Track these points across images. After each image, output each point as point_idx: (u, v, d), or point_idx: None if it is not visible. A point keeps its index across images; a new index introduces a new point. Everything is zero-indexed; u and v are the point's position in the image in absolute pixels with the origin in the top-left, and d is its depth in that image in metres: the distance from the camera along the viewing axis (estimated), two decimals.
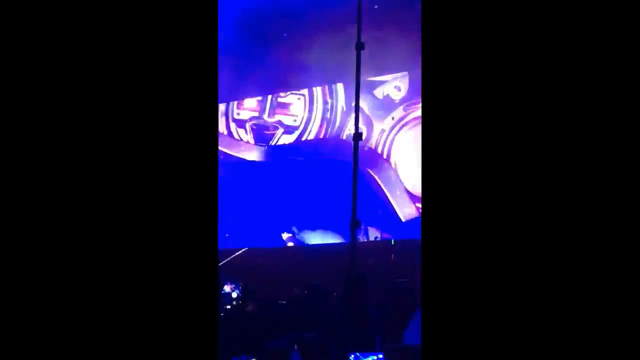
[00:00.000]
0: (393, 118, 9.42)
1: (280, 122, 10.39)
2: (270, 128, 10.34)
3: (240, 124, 9.82)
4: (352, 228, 3.04)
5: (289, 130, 10.36)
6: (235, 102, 9.80)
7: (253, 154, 10.01)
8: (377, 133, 9.40)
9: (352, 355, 2.85)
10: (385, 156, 9.25)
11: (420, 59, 1.83)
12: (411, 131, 9.00)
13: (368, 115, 9.29)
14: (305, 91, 9.75)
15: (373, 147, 9.19)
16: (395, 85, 9.23)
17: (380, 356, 2.87)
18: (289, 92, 9.96)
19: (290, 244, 9.01)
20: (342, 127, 9.70)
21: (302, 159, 10.22)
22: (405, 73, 9.04)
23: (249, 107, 9.83)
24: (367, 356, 2.96)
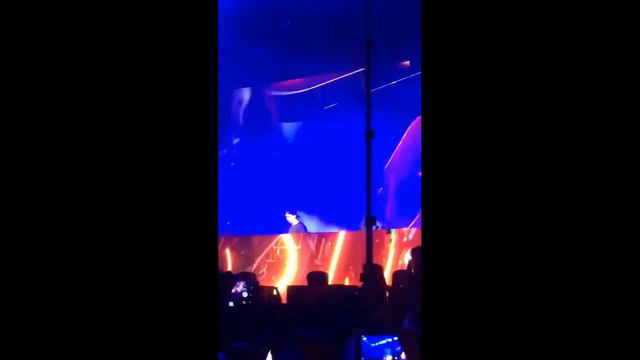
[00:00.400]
0: None
1: None
2: None
3: None
4: (367, 223, 3.12)
5: None
6: None
7: None
8: None
9: (365, 338, 2.88)
10: None
11: None
12: None
13: None
14: None
15: None
16: None
17: (396, 338, 2.91)
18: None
19: (295, 222, 9.06)
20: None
21: None
22: None
23: None
24: (378, 340, 2.99)
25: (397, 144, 9.69)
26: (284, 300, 4.93)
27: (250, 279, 5.61)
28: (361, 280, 3.21)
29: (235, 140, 10.64)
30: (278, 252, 7.87)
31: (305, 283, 5.61)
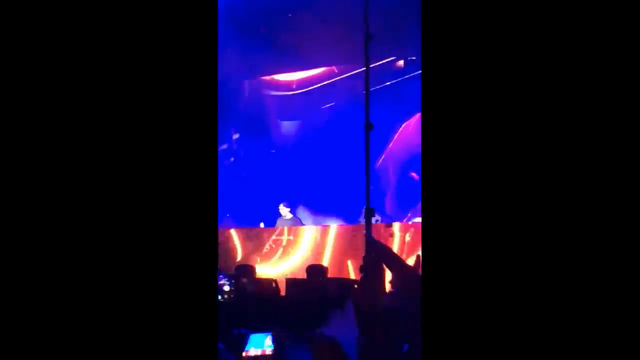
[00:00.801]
0: None
1: None
2: None
3: None
4: (367, 216, 3.14)
5: None
6: None
7: None
8: None
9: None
10: None
11: None
12: None
13: None
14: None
15: None
16: None
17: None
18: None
19: (289, 215, 9.08)
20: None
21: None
22: None
23: None
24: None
25: (393, 139, 9.72)
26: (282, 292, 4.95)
27: (242, 272, 5.62)
28: (361, 271, 3.23)
29: (235, 136, 10.66)
30: (268, 246, 7.89)
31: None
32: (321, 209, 10.28)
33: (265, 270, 7.59)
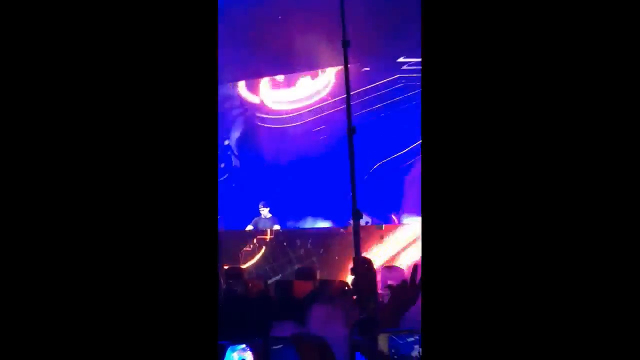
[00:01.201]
0: None
1: None
2: None
3: None
4: (354, 218, 3.18)
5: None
6: None
7: None
8: None
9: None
10: None
11: None
12: None
13: None
14: None
15: None
16: None
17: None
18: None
19: (268, 215, 9.11)
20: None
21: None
22: None
23: None
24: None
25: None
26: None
27: (231, 275, 5.61)
28: (352, 274, 3.27)
29: (226, 142, 10.68)
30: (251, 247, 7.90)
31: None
32: (310, 211, 10.31)
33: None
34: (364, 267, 3.12)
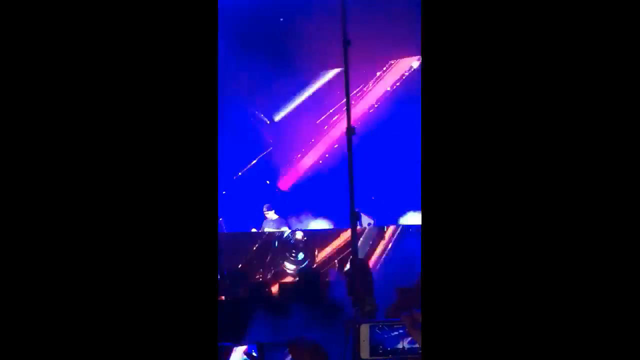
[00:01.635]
0: None
1: None
2: None
3: None
4: (351, 220, 3.17)
5: None
6: None
7: None
8: None
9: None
10: None
11: None
12: None
13: None
14: None
15: None
16: None
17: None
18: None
19: (275, 216, 9.12)
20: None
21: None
22: None
23: None
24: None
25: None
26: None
27: (234, 276, 5.63)
28: (346, 275, 3.27)
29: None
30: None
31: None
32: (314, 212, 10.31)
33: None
34: (360, 269, 3.12)
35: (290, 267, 7.81)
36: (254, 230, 9.43)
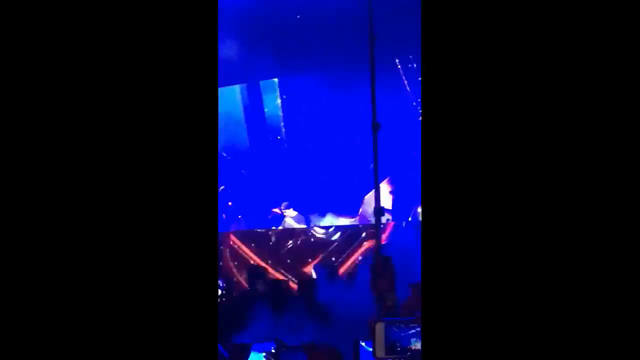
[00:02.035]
0: None
1: None
2: None
3: None
4: (376, 215, 3.15)
5: None
6: None
7: None
8: None
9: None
10: None
11: None
12: None
13: None
14: None
15: None
16: None
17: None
18: None
19: (294, 213, 9.12)
20: None
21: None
22: None
23: None
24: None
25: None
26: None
27: (255, 273, 5.62)
28: (371, 272, 3.25)
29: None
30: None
31: None
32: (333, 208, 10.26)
33: None
34: (383, 266, 3.10)
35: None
36: (273, 228, 9.42)
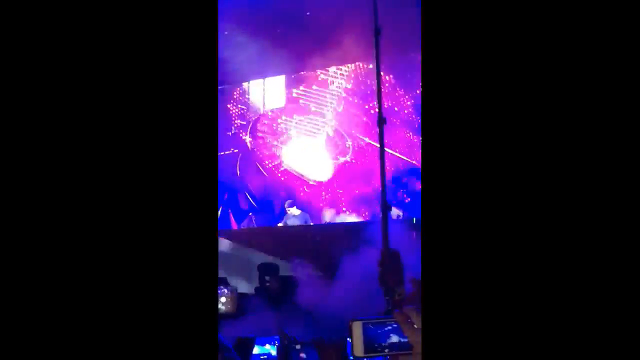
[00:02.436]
0: None
1: None
2: None
3: None
4: (383, 210, 3.14)
5: None
6: None
7: None
8: None
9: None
10: None
11: None
12: None
13: None
14: None
15: None
16: None
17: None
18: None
19: (298, 212, 9.14)
20: None
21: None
22: None
23: None
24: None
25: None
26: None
27: (265, 271, 5.63)
28: (379, 266, 3.24)
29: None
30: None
31: None
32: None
33: None
34: (391, 259, 3.09)
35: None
36: (280, 225, 9.48)
